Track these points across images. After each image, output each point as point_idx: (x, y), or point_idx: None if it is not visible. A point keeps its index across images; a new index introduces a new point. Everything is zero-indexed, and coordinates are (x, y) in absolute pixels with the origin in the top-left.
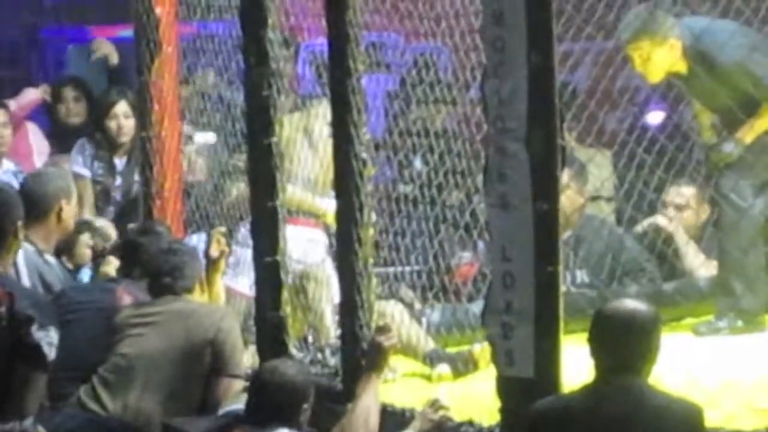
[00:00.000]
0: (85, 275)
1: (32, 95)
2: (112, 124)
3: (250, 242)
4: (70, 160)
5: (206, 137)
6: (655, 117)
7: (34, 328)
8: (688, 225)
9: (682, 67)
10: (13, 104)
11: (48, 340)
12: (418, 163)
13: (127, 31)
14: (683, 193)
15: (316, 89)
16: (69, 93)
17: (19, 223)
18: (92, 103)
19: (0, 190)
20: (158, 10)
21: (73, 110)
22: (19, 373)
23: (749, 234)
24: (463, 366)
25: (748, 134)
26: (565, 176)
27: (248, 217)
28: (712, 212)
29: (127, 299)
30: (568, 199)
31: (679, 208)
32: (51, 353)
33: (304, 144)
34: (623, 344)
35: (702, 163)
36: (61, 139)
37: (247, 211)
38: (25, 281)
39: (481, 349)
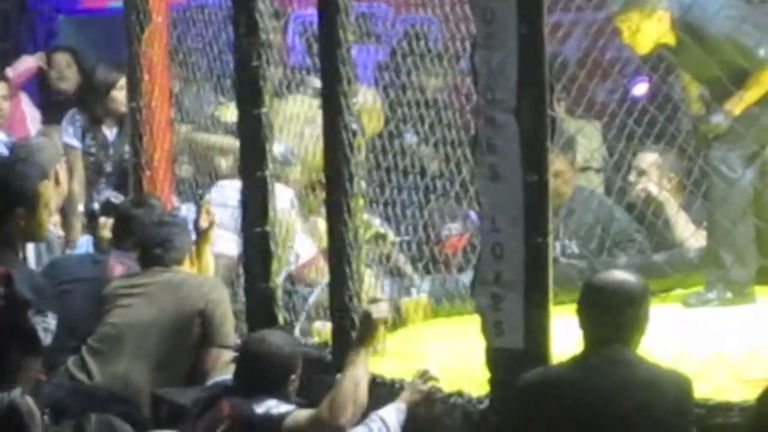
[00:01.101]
0: (83, 244)
1: (29, 62)
2: (119, 96)
3: (226, 203)
4: (60, 130)
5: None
6: (641, 89)
7: (30, 312)
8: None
9: (670, 38)
10: (10, 72)
11: (44, 325)
12: (408, 135)
13: (117, 2)
14: (647, 158)
15: (305, 60)
16: (62, 58)
17: (20, 210)
18: (84, 74)
19: (5, 168)
20: None
21: (65, 75)
22: (11, 356)
23: (739, 205)
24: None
25: (737, 105)
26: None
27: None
28: (681, 183)
29: (119, 269)
30: (559, 174)
31: (641, 173)
32: (46, 339)
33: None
34: (612, 315)
35: (691, 134)
36: (51, 108)
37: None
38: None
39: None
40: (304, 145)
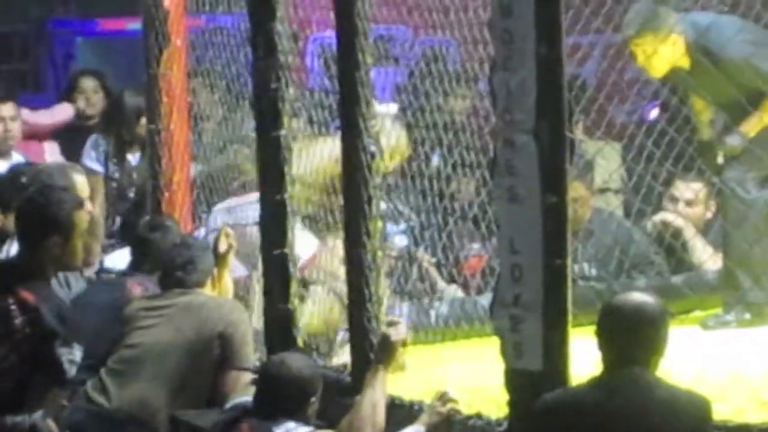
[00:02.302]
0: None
1: (68, 111)
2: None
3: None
4: (82, 154)
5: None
6: (654, 112)
7: (57, 343)
8: (696, 219)
9: (684, 62)
10: (47, 117)
11: (70, 357)
12: (435, 157)
13: (135, 24)
14: (693, 187)
15: (324, 82)
16: (89, 83)
17: (55, 238)
18: (109, 98)
19: (42, 195)
20: (167, 3)
21: (92, 101)
22: (36, 386)
23: (755, 226)
24: None
25: (753, 127)
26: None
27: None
28: (718, 207)
29: (137, 290)
30: (577, 199)
31: (689, 203)
32: (71, 370)
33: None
34: (631, 337)
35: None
36: (75, 134)
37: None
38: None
39: None
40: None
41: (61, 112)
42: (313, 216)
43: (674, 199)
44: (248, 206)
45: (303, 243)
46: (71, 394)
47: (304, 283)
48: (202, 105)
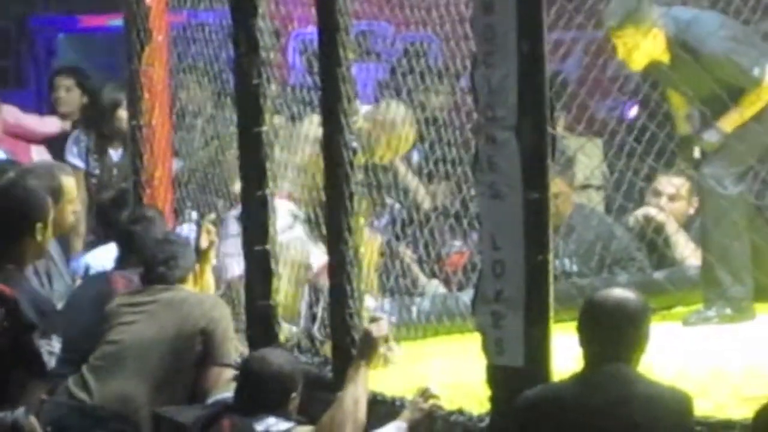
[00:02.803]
0: (80, 263)
1: (55, 126)
2: (124, 115)
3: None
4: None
5: None
6: (633, 111)
7: (35, 335)
8: (678, 214)
9: (664, 56)
10: (36, 123)
11: (49, 348)
12: (415, 153)
13: (117, 20)
14: (676, 182)
15: (306, 78)
16: (62, 82)
17: (39, 225)
18: (88, 94)
19: (17, 186)
20: None
21: (66, 100)
22: (16, 382)
23: (734, 222)
24: None
25: (730, 123)
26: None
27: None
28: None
29: (121, 284)
30: (557, 195)
31: (672, 198)
32: (51, 362)
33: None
34: (613, 333)
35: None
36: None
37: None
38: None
39: None
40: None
41: (49, 125)
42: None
43: (657, 194)
44: None
45: (316, 251)
46: (51, 387)
47: (316, 292)
48: (185, 101)
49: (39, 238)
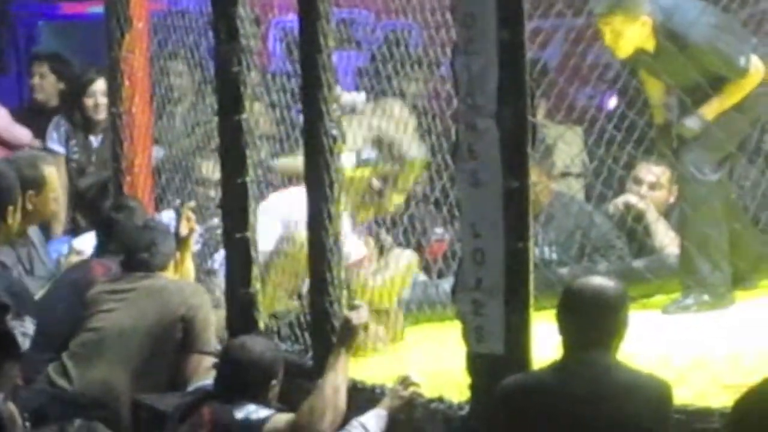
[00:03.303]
0: (62, 244)
1: (25, 138)
2: (89, 102)
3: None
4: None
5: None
6: (614, 101)
7: (8, 317)
8: (659, 203)
9: (650, 44)
10: (3, 130)
11: (22, 329)
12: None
13: (97, 7)
14: (656, 171)
15: (286, 66)
16: (37, 69)
17: (10, 208)
18: (66, 80)
19: None
20: None
21: (42, 86)
22: None
23: (713, 208)
24: None
25: (712, 111)
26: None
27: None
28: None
29: (100, 271)
30: (534, 184)
31: (653, 186)
32: (25, 343)
33: None
34: (591, 321)
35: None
36: (34, 117)
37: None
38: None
39: None
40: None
41: (20, 134)
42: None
43: (638, 181)
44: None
45: (356, 243)
46: (31, 374)
47: (348, 285)
48: (166, 89)
49: (9, 220)
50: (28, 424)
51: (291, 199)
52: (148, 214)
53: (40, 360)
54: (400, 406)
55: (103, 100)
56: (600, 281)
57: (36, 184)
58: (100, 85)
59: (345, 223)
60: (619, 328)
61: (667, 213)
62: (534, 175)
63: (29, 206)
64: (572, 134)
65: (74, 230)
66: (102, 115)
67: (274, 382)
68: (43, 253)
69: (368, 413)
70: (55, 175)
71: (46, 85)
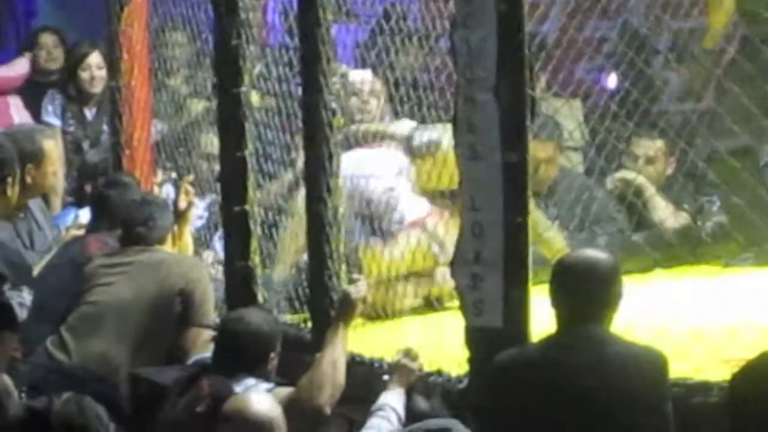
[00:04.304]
0: (67, 216)
1: (25, 65)
2: (84, 75)
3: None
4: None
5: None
6: (612, 80)
7: (6, 287)
8: (656, 176)
9: None
10: (5, 70)
11: (19, 300)
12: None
13: None
14: (651, 145)
15: (285, 39)
16: (49, 38)
17: (9, 180)
18: (66, 54)
19: None
20: None
21: (54, 55)
22: None
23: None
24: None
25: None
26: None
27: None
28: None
29: (94, 246)
30: (549, 160)
31: (650, 160)
32: (22, 314)
33: None
34: (584, 293)
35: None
36: (36, 89)
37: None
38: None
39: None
40: None
41: (19, 66)
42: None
43: (634, 157)
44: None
45: (415, 204)
46: (28, 349)
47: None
48: (165, 62)
49: (8, 193)
50: (23, 395)
51: (358, 157)
52: (142, 190)
53: (37, 334)
54: (413, 380)
55: (98, 73)
56: (592, 253)
57: (35, 157)
58: (95, 58)
59: (402, 184)
60: (613, 300)
61: (665, 186)
62: (545, 151)
63: (28, 179)
64: (570, 107)
65: (80, 202)
66: (97, 88)
67: (272, 355)
68: (47, 227)
69: (390, 394)
70: (53, 149)
71: (58, 56)
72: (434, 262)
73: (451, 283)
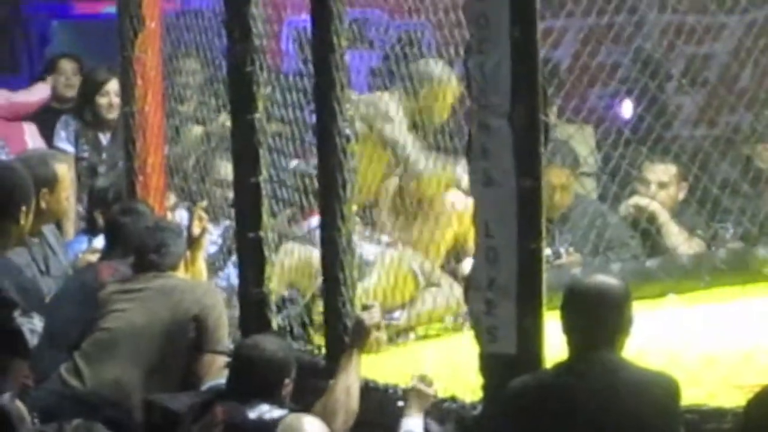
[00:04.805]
0: (81, 244)
1: (44, 91)
2: (103, 101)
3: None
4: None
5: None
6: (627, 108)
7: (16, 314)
8: (668, 201)
9: None
10: (25, 95)
11: (30, 326)
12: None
13: (110, 7)
14: (663, 170)
15: (299, 65)
16: (69, 65)
17: (24, 208)
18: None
19: (6, 168)
20: None
21: (72, 82)
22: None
23: None
24: None
25: None
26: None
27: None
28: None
29: (106, 273)
30: (564, 187)
31: (663, 185)
32: (33, 340)
33: None
34: (594, 320)
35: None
36: (51, 116)
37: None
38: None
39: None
40: None
41: (39, 92)
42: None
43: (646, 183)
44: None
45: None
46: (40, 375)
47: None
48: (179, 88)
49: (23, 221)
50: (36, 421)
51: None
52: (156, 216)
53: (49, 361)
54: (429, 406)
55: (116, 100)
56: (603, 279)
57: (49, 182)
58: (113, 84)
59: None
60: (624, 325)
61: (677, 211)
62: (558, 177)
63: (42, 204)
64: (583, 133)
65: (92, 229)
66: (114, 114)
67: (287, 381)
68: (60, 252)
69: (411, 420)
70: (66, 173)
71: (76, 83)
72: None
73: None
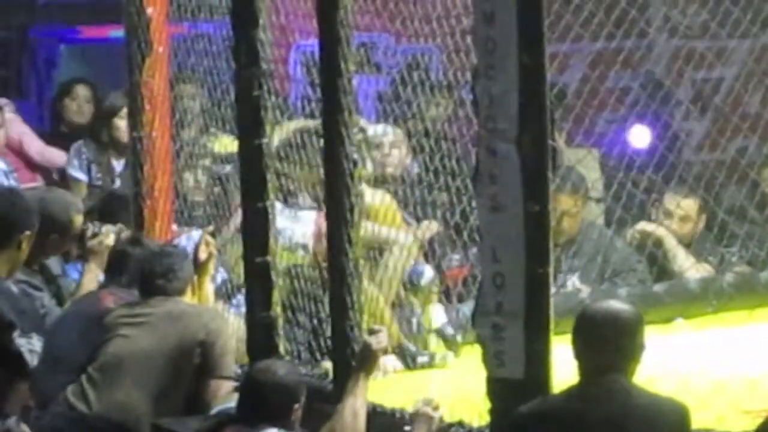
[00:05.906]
0: (75, 272)
1: (60, 159)
2: (121, 124)
3: None
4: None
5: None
6: (641, 137)
7: (15, 335)
8: (688, 236)
9: None
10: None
11: (29, 347)
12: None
13: (117, 32)
14: (685, 204)
15: (306, 90)
16: (83, 91)
17: (27, 234)
18: (96, 105)
19: (5, 196)
20: (149, 10)
21: (84, 109)
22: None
23: None
24: None
25: None
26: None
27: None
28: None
29: (109, 300)
30: (571, 214)
31: (683, 219)
32: (33, 360)
33: None
34: (606, 345)
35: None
36: (59, 140)
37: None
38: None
39: None
40: None
41: (55, 157)
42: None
43: (668, 214)
44: None
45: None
46: (44, 400)
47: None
48: (186, 112)
49: (23, 246)
50: None
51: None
52: (162, 243)
53: (51, 384)
54: (434, 429)
55: None
56: (615, 305)
57: (62, 229)
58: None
59: None
60: (636, 350)
61: (691, 243)
62: (565, 203)
63: (49, 245)
64: (591, 158)
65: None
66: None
67: (296, 406)
68: (62, 281)
69: None
70: (80, 223)
71: (87, 111)
72: None
73: None
